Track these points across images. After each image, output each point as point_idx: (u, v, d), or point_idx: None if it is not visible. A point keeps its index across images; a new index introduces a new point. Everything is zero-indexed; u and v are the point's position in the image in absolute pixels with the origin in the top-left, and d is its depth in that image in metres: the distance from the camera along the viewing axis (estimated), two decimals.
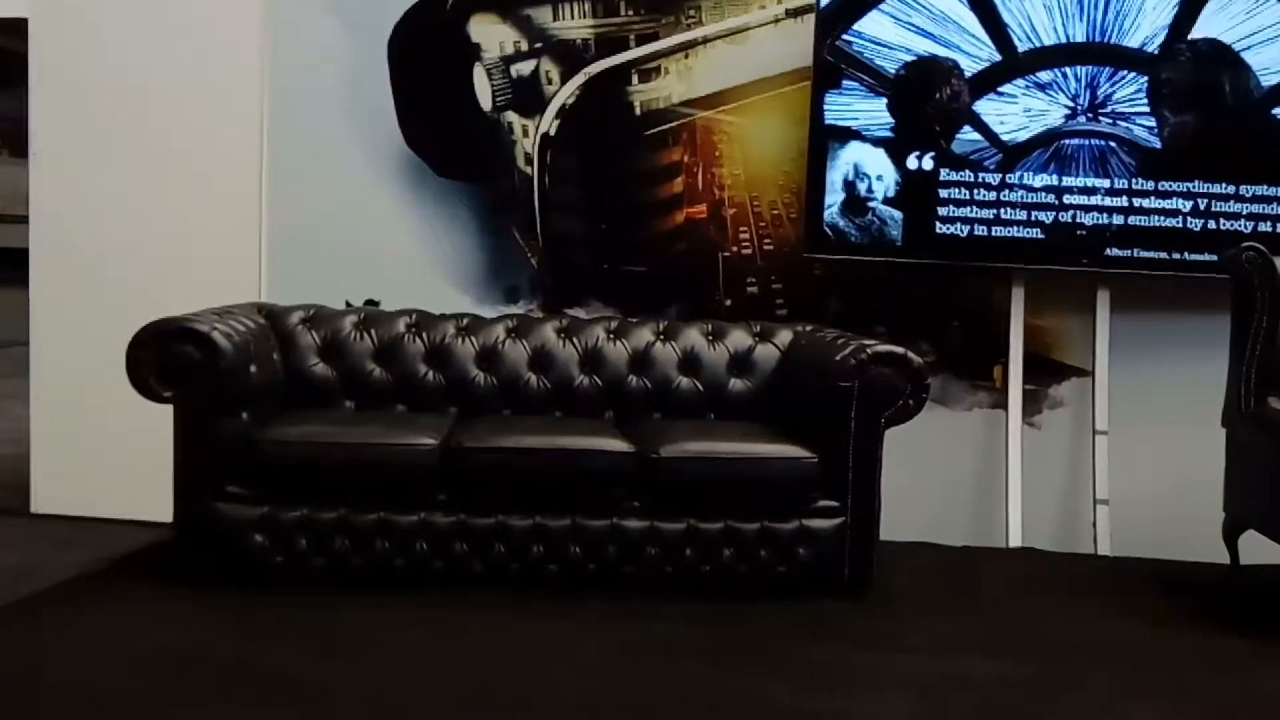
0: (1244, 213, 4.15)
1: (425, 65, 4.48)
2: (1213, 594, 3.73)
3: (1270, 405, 3.59)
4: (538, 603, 3.36)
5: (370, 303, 4.35)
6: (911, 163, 4.21)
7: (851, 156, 4.22)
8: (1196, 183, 4.16)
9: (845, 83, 4.21)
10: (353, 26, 4.44)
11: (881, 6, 4.18)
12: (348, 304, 4.29)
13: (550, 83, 4.45)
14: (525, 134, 4.47)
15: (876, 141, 4.22)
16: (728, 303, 4.43)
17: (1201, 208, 4.16)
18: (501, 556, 3.48)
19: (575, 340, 4.03)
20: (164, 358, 3.39)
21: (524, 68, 4.46)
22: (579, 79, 4.44)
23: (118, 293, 4.30)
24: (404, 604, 3.32)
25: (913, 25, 4.18)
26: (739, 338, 4.08)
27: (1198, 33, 4.13)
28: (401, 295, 4.22)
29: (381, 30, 4.43)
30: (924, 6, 4.17)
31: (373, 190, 4.46)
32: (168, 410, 3.42)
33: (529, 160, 4.47)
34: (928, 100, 4.21)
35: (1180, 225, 4.17)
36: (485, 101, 4.47)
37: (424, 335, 4.00)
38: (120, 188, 4.36)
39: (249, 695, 2.70)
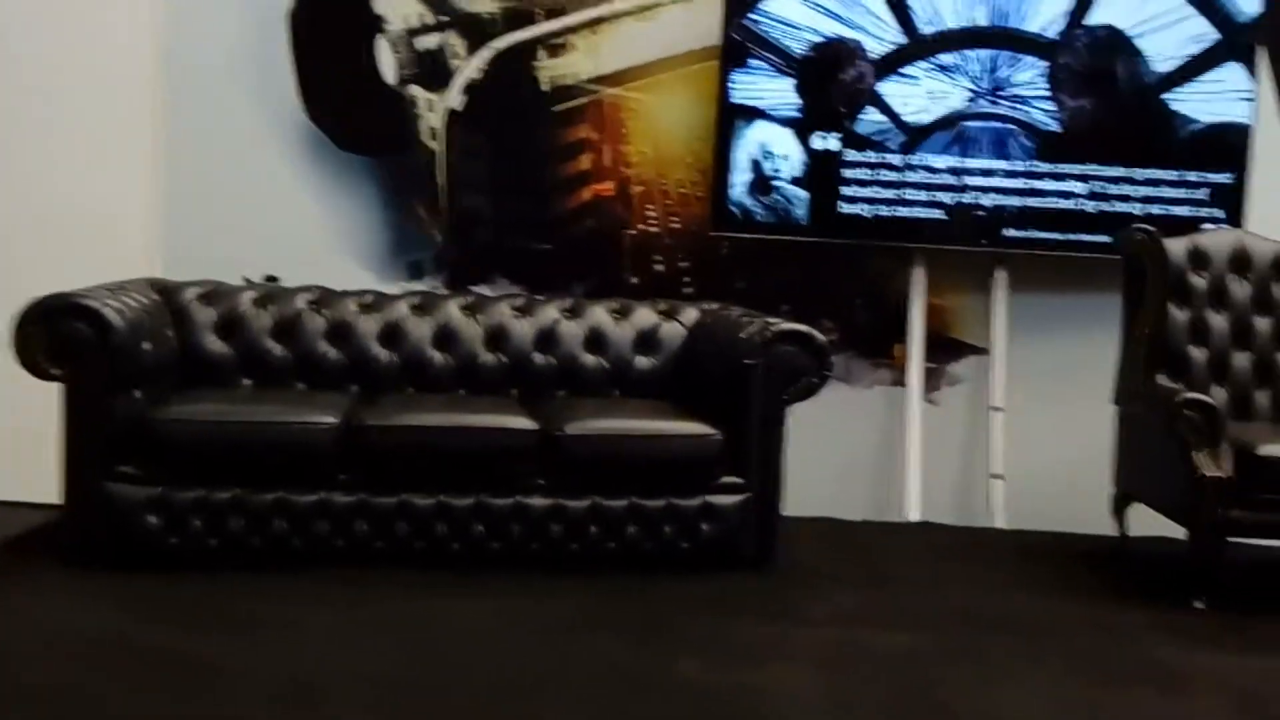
0: (1137, 195, 4.26)
1: (327, 36, 4.39)
2: (1102, 565, 3.84)
3: (1158, 383, 3.70)
4: (441, 582, 3.34)
5: (269, 279, 4.26)
6: (817, 143, 4.25)
7: (758, 136, 4.24)
8: (1091, 166, 4.26)
9: (752, 62, 4.22)
10: None
11: None
12: (246, 280, 4.21)
13: (456, 57, 4.40)
14: (430, 108, 4.41)
15: (783, 121, 4.24)
16: (634, 280, 4.43)
17: (1096, 190, 4.26)
18: (404, 536, 3.44)
19: (480, 317, 4.00)
20: (53, 335, 3.29)
21: (429, 41, 4.39)
22: (485, 54, 4.39)
23: (2, 268, 4.15)
24: (304, 584, 3.27)
25: (819, 5, 4.21)
26: (645, 316, 4.08)
27: (1095, 19, 4.22)
28: (301, 271, 4.15)
29: None
30: None
31: (272, 163, 4.36)
32: (54, 388, 3.32)
33: (434, 135, 4.42)
34: (833, 81, 4.24)
35: (1075, 207, 4.27)
36: (389, 75, 4.40)
37: (325, 312, 3.93)
38: (3, 158, 4.21)
39: (145, 678, 2.64)
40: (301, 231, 4.37)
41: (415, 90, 4.41)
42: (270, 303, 3.93)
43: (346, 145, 4.41)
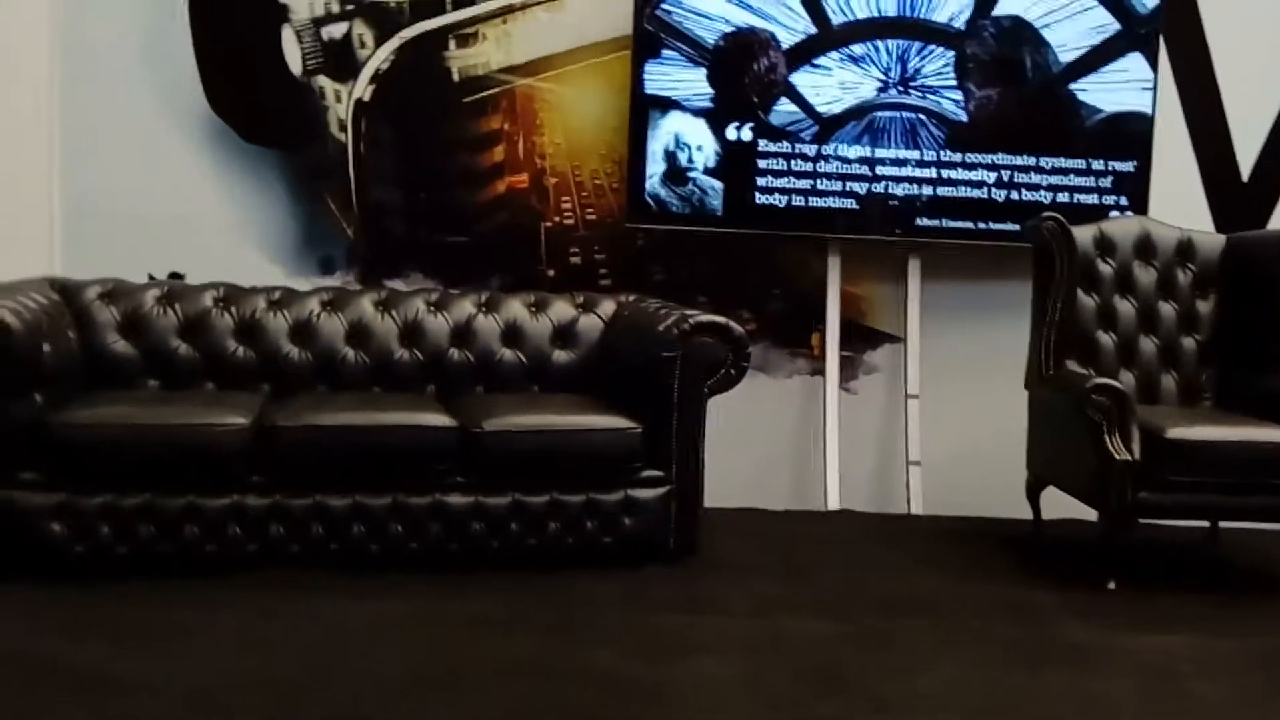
0: (1044, 184, 4.33)
1: (230, 26, 4.28)
2: (1018, 548, 3.91)
3: (1068, 368, 3.77)
4: (359, 584, 3.28)
5: (174, 276, 4.15)
6: (731, 133, 4.25)
7: (672, 126, 4.23)
8: (1000, 155, 4.32)
9: (665, 52, 4.21)
10: None
11: None
12: (150, 277, 4.09)
13: (364, 46, 4.32)
14: (338, 99, 4.33)
15: (697, 112, 4.23)
16: (550, 273, 4.40)
17: (1005, 179, 4.33)
18: (320, 538, 3.37)
19: (394, 313, 3.93)
20: None
21: (335, 30, 4.31)
22: (394, 43, 4.32)
23: None
24: (217, 590, 3.19)
25: None
26: (562, 309, 4.05)
27: (1001, 9, 4.28)
28: (208, 268, 4.04)
29: None
30: None
31: (175, 157, 4.25)
32: None
33: (343, 127, 4.33)
34: (746, 71, 4.25)
35: (985, 196, 4.33)
36: (295, 65, 4.30)
37: (233, 310, 3.84)
38: None
39: (54, 693, 2.55)
40: (207, 227, 4.26)
41: (322, 81, 4.33)
42: (176, 301, 3.82)
43: (252, 138, 4.31)
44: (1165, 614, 3.30)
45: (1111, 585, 3.46)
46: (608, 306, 4.07)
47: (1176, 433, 3.42)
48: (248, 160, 4.31)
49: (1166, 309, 3.99)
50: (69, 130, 4.19)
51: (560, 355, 4.00)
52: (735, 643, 2.96)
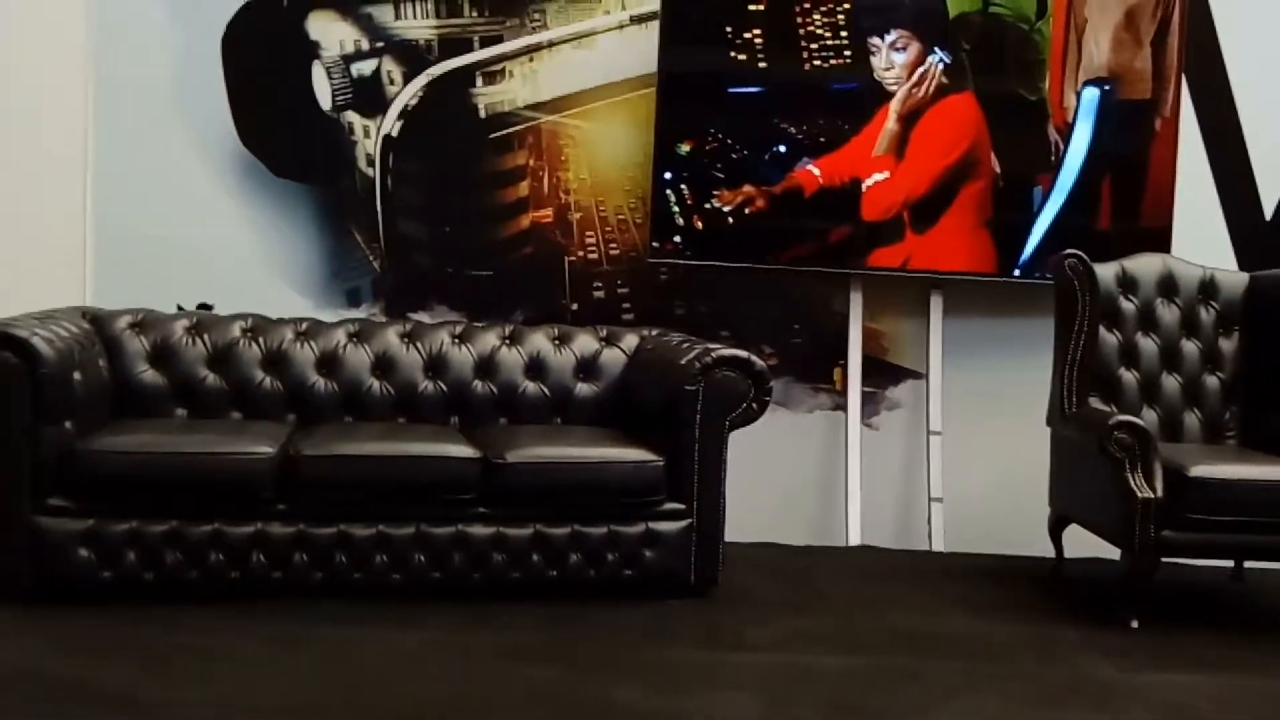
0: None
1: (261, 61, 4.36)
2: (1040, 586, 3.89)
3: (1091, 406, 3.76)
4: (381, 613, 3.29)
5: (203, 306, 4.20)
6: None
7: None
8: None
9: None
10: (184, 19, 4.29)
11: None
12: (179, 308, 4.14)
13: (392, 83, 4.38)
14: (366, 134, 4.39)
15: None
16: (574, 307, 4.43)
17: None
18: (343, 567, 3.40)
19: (419, 345, 3.97)
20: None
21: (365, 67, 4.37)
22: (422, 80, 4.38)
23: None
24: (240, 617, 3.21)
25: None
26: (585, 342, 4.07)
27: None
28: (236, 299, 4.09)
29: (214, 23, 4.30)
30: None
31: (205, 190, 4.31)
32: None
33: (370, 161, 4.39)
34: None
35: None
36: (325, 101, 4.37)
37: (260, 340, 3.88)
38: None
39: (78, 715, 2.57)
40: (236, 258, 4.32)
41: (351, 116, 4.39)
42: (204, 331, 3.86)
43: (281, 171, 4.37)
44: (1188, 653, 3.28)
45: (1134, 624, 3.44)
46: (630, 340, 4.10)
47: (1199, 471, 3.41)
48: (277, 194, 4.36)
49: (1189, 347, 3.99)
50: (102, 162, 4.26)
51: (583, 388, 4.03)
52: (757, 678, 2.96)
